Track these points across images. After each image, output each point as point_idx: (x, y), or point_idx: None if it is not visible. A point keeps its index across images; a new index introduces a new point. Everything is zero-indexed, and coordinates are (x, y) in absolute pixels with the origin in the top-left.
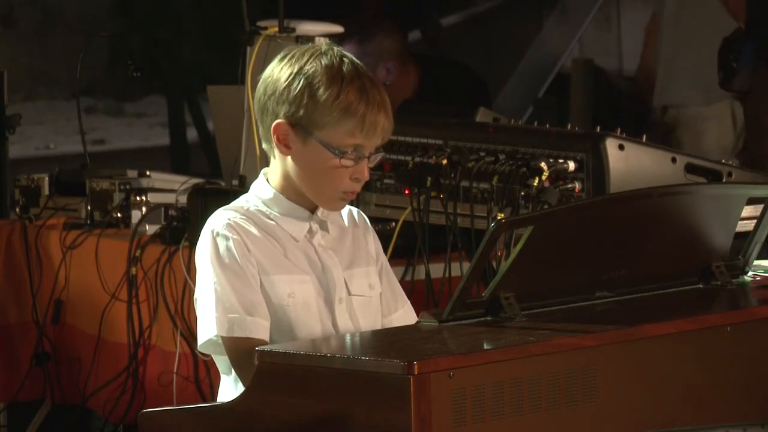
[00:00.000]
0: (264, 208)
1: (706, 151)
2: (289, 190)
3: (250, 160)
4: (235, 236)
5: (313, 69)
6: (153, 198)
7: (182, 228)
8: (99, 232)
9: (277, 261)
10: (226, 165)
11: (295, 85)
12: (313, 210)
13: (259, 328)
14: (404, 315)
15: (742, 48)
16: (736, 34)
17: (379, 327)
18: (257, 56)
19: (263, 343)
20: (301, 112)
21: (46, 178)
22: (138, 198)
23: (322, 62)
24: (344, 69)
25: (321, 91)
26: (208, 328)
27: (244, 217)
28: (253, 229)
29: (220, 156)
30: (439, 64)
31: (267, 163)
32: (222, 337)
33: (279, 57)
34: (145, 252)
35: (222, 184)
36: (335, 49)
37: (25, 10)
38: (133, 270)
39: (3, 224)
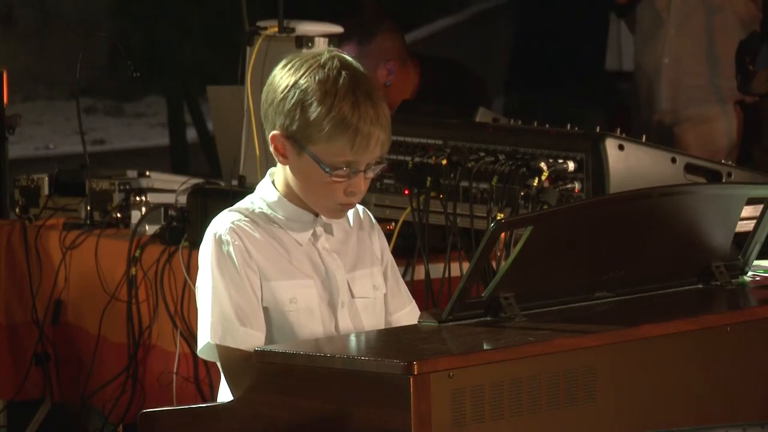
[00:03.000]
0: (268, 211)
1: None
2: (292, 194)
3: (249, 160)
4: (236, 242)
5: (306, 83)
6: (153, 198)
7: (182, 228)
8: (99, 232)
9: (280, 265)
10: (226, 165)
11: (289, 98)
12: (317, 213)
13: (251, 340)
14: (410, 313)
15: (759, 50)
16: (752, 36)
17: (382, 328)
18: (257, 56)
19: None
20: (295, 126)
21: (46, 178)
22: (138, 198)
23: (317, 77)
24: (339, 84)
25: (313, 107)
26: (204, 333)
27: (248, 220)
28: (257, 233)
29: (219, 156)
30: (439, 64)
31: (271, 163)
32: (215, 344)
33: (282, 63)
34: (144, 252)
35: (222, 184)
36: (336, 59)
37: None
38: (133, 270)
39: (3, 224)
